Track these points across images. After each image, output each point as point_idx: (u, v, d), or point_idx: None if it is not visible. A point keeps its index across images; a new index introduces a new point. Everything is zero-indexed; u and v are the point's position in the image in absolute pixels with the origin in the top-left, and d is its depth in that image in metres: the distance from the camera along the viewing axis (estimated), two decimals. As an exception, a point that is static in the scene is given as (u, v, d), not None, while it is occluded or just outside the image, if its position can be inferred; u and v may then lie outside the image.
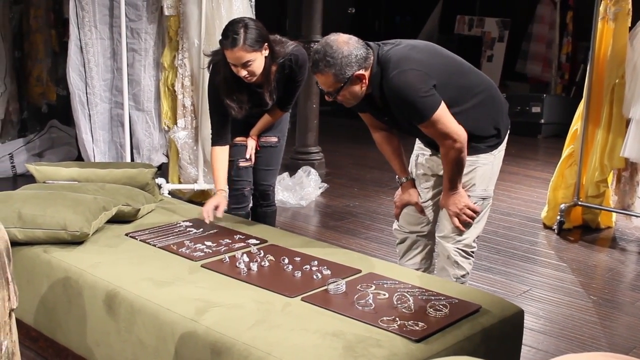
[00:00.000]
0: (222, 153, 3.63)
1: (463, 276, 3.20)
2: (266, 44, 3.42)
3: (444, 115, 2.88)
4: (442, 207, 3.15)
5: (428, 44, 3.07)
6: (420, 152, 3.31)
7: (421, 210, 3.29)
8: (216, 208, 3.46)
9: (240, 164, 3.82)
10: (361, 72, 2.85)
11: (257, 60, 3.39)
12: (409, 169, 3.36)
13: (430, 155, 3.24)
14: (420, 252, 3.36)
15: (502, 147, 3.21)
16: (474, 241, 3.21)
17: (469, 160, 3.05)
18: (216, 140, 3.64)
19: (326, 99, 2.98)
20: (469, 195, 3.12)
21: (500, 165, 3.24)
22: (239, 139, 3.81)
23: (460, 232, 3.15)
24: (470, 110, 3.02)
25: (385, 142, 3.31)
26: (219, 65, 3.50)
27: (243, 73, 3.39)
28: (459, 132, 2.92)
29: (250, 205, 4.02)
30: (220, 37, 3.40)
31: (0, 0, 6.73)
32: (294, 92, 3.75)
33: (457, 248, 3.18)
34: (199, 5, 5.40)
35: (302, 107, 6.84)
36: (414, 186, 3.31)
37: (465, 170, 3.07)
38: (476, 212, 3.11)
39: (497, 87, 3.23)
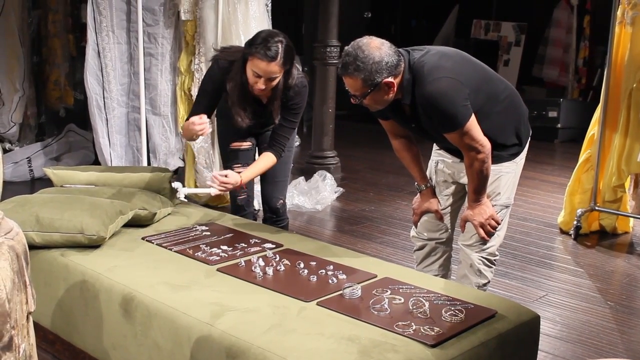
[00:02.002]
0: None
1: (484, 285, 3.20)
2: (292, 63, 3.42)
3: (473, 126, 2.87)
4: (465, 219, 3.13)
5: (457, 51, 3.05)
6: (439, 158, 3.29)
7: (440, 218, 3.28)
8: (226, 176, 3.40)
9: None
10: (390, 79, 2.83)
11: (279, 77, 3.40)
12: (428, 175, 3.35)
13: (451, 161, 3.23)
14: (438, 259, 3.35)
15: (524, 154, 3.20)
16: (497, 250, 3.21)
17: (493, 169, 3.04)
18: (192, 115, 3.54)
19: (352, 102, 2.94)
20: (493, 205, 3.11)
21: (516, 179, 3.23)
22: (235, 144, 3.79)
23: (485, 242, 3.14)
24: (495, 117, 3.01)
25: (404, 149, 3.30)
26: (235, 70, 3.47)
27: (261, 86, 3.36)
28: (484, 143, 2.91)
29: (252, 211, 4.00)
30: (252, 44, 3.34)
31: (19, 6, 6.79)
32: (290, 129, 3.66)
33: (481, 257, 3.18)
34: (215, 10, 5.42)
35: (317, 111, 6.84)
36: (434, 194, 3.31)
37: (490, 180, 3.06)
38: (498, 222, 3.10)
39: (518, 94, 3.21)
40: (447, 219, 3.31)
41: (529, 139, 3.22)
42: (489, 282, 3.23)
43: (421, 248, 3.38)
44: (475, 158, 2.92)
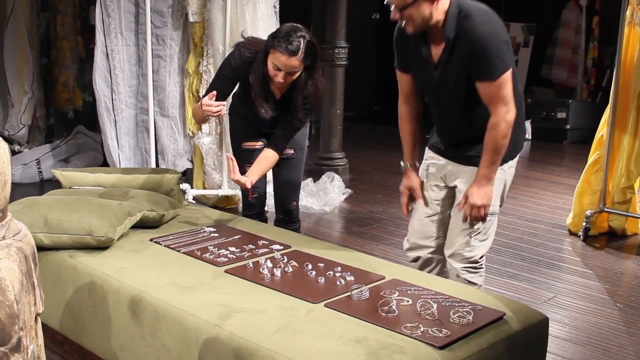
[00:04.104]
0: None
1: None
2: (315, 59, 3.43)
3: (510, 79, 2.84)
4: (465, 194, 3.03)
5: None
6: (431, 161, 3.24)
7: (421, 197, 3.22)
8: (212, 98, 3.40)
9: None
10: None
11: (299, 72, 3.41)
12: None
13: (443, 163, 3.18)
14: (433, 269, 3.31)
15: (513, 163, 3.15)
16: (481, 257, 3.17)
17: None
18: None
19: (391, 17, 2.86)
20: None
21: (510, 183, 3.19)
22: (247, 144, 3.80)
23: (472, 225, 3.09)
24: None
25: (408, 120, 3.22)
26: (257, 61, 3.47)
27: (280, 79, 3.38)
28: (513, 106, 2.87)
29: (264, 211, 4.00)
30: (275, 37, 3.36)
31: (28, 8, 6.82)
32: (292, 132, 3.67)
33: (464, 267, 3.15)
34: (223, 11, 5.43)
35: (326, 112, 6.84)
36: (417, 173, 3.24)
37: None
38: (484, 218, 3.05)
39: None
40: (437, 226, 3.25)
41: (519, 154, 3.17)
42: (480, 286, 3.19)
43: (415, 260, 3.34)
44: (504, 118, 2.86)
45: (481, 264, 3.19)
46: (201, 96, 5.59)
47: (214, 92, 3.40)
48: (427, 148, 3.30)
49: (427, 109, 3.19)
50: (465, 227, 3.10)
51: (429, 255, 3.29)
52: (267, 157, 3.62)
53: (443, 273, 3.30)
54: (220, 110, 3.37)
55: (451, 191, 3.20)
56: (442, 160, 3.19)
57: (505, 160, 3.06)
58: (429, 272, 3.28)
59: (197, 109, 3.50)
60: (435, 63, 2.94)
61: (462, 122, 3.06)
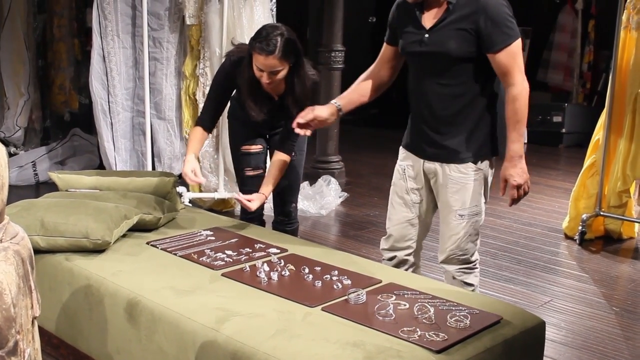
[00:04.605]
0: (202, 134, 3.64)
1: (472, 290, 3.19)
2: (297, 57, 3.43)
3: (521, 50, 2.91)
4: (504, 179, 3.02)
5: None
6: (407, 163, 3.23)
7: (320, 123, 3.23)
8: (194, 172, 3.50)
9: (247, 174, 3.80)
10: None
11: (284, 71, 3.41)
12: (394, 181, 3.31)
13: (421, 163, 3.17)
14: (407, 270, 3.32)
15: (488, 165, 3.14)
16: (474, 257, 3.19)
17: (458, 179, 3.05)
18: (203, 122, 3.65)
19: None
20: (460, 216, 3.09)
21: (490, 183, 3.19)
22: (245, 147, 3.80)
23: (462, 248, 3.12)
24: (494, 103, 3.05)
25: (369, 76, 3.27)
26: (244, 65, 3.49)
27: (266, 80, 3.40)
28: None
29: (262, 214, 4.00)
30: (255, 40, 3.38)
31: (25, 10, 6.81)
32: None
33: (459, 268, 3.17)
34: (220, 14, 5.43)
35: (322, 116, 6.83)
36: (334, 113, 3.22)
37: (455, 188, 3.06)
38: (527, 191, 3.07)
39: None
40: (415, 229, 3.26)
41: (494, 158, 3.16)
42: (476, 286, 3.22)
43: (390, 259, 3.35)
44: (523, 86, 2.91)
45: (475, 264, 3.21)
46: (198, 98, 5.60)
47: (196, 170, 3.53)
48: (401, 148, 3.29)
49: (400, 109, 3.21)
50: (454, 232, 3.12)
51: (405, 257, 3.31)
52: (279, 162, 3.63)
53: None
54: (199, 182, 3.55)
55: (430, 197, 3.21)
56: (419, 160, 3.18)
57: (480, 157, 3.07)
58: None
59: (194, 135, 3.64)
60: (430, 27, 2.97)
61: (442, 97, 3.04)
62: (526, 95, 2.92)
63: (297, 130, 3.21)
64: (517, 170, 2.99)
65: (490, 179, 3.17)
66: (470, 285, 3.19)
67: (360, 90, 3.28)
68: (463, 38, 2.90)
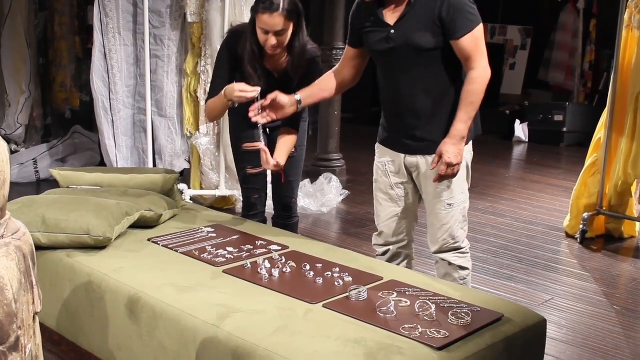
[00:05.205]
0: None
1: (467, 275, 3.25)
2: (299, 19, 3.43)
3: (483, 35, 2.97)
4: (439, 152, 3.01)
5: None
6: (386, 159, 3.28)
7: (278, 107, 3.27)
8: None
9: (249, 172, 3.79)
10: None
11: (288, 32, 3.40)
12: (375, 177, 3.37)
13: (401, 157, 3.21)
14: (400, 264, 3.37)
15: (470, 147, 3.18)
16: (463, 242, 3.24)
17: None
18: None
19: None
20: (449, 205, 3.13)
21: (469, 169, 3.21)
22: (248, 145, 3.78)
23: (453, 236, 3.17)
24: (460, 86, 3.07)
25: (332, 75, 3.34)
26: (245, 35, 3.48)
27: (272, 42, 3.36)
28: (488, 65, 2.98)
29: (264, 211, 4.00)
30: (255, 5, 3.37)
31: (26, 8, 6.81)
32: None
33: (453, 255, 3.22)
34: (222, 12, 5.42)
35: (323, 114, 6.84)
36: (292, 103, 3.27)
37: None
38: (455, 175, 3.06)
39: None
40: (405, 222, 3.32)
41: (472, 140, 3.19)
42: (470, 269, 3.27)
43: (384, 254, 3.39)
44: (484, 71, 2.94)
45: (467, 249, 3.27)
46: (199, 96, 5.60)
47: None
48: (377, 144, 3.35)
49: (374, 108, 3.25)
50: (445, 222, 3.16)
51: (398, 250, 3.37)
52: (288, 137, 3.59)
53: (408, 266, 3.40)
54: (256, 93, 3.32)
55: (415, 189, 3.26)
56: (400, 155, 3.22)
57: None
58: (397, 265, 3.36)
59: (218, 101, 3.47)
60: (394, 22, 3.01)
61: (415, 91, 3.07)
62: (484, 81, 2.95)
63: (252, 114, 3.24)
64: (455, 150, 2.98)
65: (470, 165, 3.21)
66: (466, 269, 3.24)
67: (322, 84, 3.36)
68: (428, 29, 2.95)
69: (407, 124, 3.13)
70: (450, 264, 3.22)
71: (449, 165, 2.98)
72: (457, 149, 2.98)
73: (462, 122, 2.97)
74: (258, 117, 3.25)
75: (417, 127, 3.10)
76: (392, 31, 3.01)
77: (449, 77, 3.03)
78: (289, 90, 3.43)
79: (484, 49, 2.97)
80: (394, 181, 3.27)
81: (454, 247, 3.22)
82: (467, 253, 3.28)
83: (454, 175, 3.03)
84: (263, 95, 3.38)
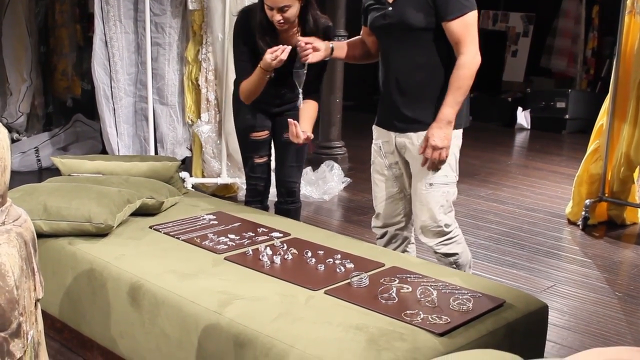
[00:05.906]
0: None
1: (457, 260, 3.25)
2: None
3: (476, 23, 3.00)
4: (426, 137, 3.07)
5: None
6: (382, 140, 3.33)
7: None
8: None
9: (256, 161, 3.79)
10: None
11: (294, 8, 3.40)
12: (372, 159, 3.40)
13: (393, 136, 3.23)
14: (399, 246, 3.42)
15: (460, 133, 3.19)
16: (448, 227, 3.21)
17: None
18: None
19: None
20: (429, 185, 3.15)
21: (457, 153, 3.22)
22: (255, 135, 3.78)
23: (434, 219, 3.16)
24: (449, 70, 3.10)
25: (360, 41, 3.44)
26: (254, 10, 3.52)
27: (277, 18, 3.38)
28: (478, 53, 3.01)
29: (267, 199, 4.00)
30: None
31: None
32: (321, 73, 3.69)
33: (437, 242, 3.22)
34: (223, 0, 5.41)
35: (325, 101, 6.83)
36: (328, 48, 3.34)
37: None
38: (444, 160, 3.10)
39: None
40: (401, 203, 3.36)
41: (462, 128, 3.21)
42: (458, 254, 3.26)
43: (382, 236, 3.44)
44: (474, 57, 2.99)
45: (454, 233, 3.25)
46: (200, 84, 5.59)
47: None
48: (374, 126, 3.40)
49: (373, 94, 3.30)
50: (425, 202, 3.17)
51: (396, 232, 3.41)
52: (309, 107, 3.59)
53: (406, 248, 3.44)
54: (285, 50, 3.35)
55: (408, 171, 3.29)
56: (392, 135, 3.25)
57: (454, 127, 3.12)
58: (394, 247, 3.40)
59: (255, 77, 3.49)
60: (392, 0, 3.08)
61: (406, 69, 3.13)
62: (474, 67, 2.99)
63: (300, 44, 3.26)
64: (441, 133, 3.03)
65: (457, 153, 3.21)
66: (453, 255, 3.24)
67: (352, 43, 3.47)
68: (422, 9, 3.00)
69: (395, 101, 3.18)
70: (435, 252, 3.25)
71: (435, 148, 3.03)
72: (444, 132, 3.03)
73: (449, 107, 3.02)
74: (307, 50, 3.26)
75: (405, 106, 3.15)
76: (390, 8, 3.09)
77: (440, 59, 3.07)
78: (304, 65, 3.43)
79: (475, 36, 3.00)
80: (389, 161, 3.32)
81: (437, 231, 3.19)
82: (455, 237, 3.25)
83: (441, 159, 3.06)
84: (277, 70, 3.45)
